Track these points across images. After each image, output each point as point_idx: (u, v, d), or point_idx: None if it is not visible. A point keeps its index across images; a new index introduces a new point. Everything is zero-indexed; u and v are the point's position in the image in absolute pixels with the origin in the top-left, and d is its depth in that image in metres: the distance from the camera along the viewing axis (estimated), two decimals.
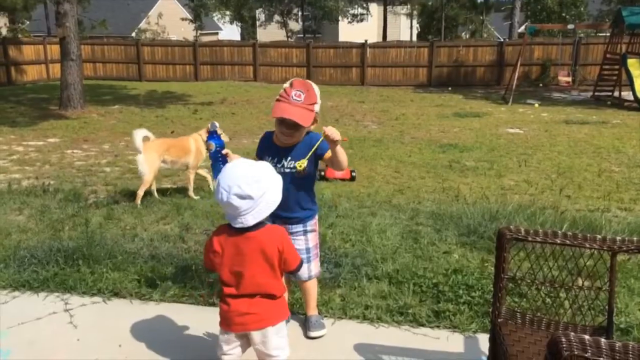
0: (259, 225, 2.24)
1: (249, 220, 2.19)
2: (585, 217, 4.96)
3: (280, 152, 2.81)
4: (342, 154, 2.71)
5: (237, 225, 2.21)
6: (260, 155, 2.91)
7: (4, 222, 4.89)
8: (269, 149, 2.86)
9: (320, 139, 2.68)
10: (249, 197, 2.16)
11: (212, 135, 2.61)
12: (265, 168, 2.28)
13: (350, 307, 3.26)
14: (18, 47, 20.91)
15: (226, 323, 2.32)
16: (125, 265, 3.80)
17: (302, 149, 2.78)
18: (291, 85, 2.71)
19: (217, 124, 2.62)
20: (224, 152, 2.68)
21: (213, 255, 2.28)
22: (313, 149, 2.68)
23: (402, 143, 9.69)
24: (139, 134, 5.67)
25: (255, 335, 2.30)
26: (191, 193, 6.02)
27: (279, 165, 2.80)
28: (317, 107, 2.75)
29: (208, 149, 2.61)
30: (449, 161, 8.13)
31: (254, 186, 2.16)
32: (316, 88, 2.77)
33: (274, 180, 2.27)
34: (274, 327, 2.30)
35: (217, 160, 2.64)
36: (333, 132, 2.57)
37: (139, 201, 5.61)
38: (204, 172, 6.22)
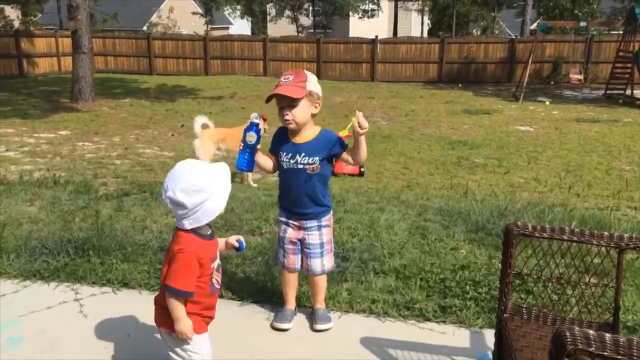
0: (195, 229, 2.14)
1: (185, 224, 2.10)
2: (594, 215, 4.94)
3: (294, 147, 2.82)
4: (365, 146, 2.73)
5: (177, 225, 2.14)
6: (274, 151, 2.90)
7: (15, 213, 4.95)
8: (284, 145, 2.85)
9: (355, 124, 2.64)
10: (183, 206, 2.05)
11: (252, 126, 2.60)
12: (214, 174, 2.11)
13: (357, 301, 3.28)
14: (30, 40, 21.08)
15: None
16: (134, 257, 3.84)
17: (316, 145, 2.80)
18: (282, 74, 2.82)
19: (257, 114, 2.61)
20: (257, 147, 2.69)
21: None
22: (352, 123, 2.65)
23: (411, 139, 9.68)
24: (199, 121, 5.98)
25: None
26: (250, 181, 6.32)
27: (292, 161, 2.81)
28: (310, 86, 2.74)
29: (248, 140, 2.59)
30: (458, 158, 8.11)
31: (191, 195, 2.04)
32: (310, 74, 2.79)
33: (219, 188, 2.11)
34: (167, 333, 2.25)
35: (245, 152, 2.62)
36: (363, 120, 2.61)
37: None
38: None
